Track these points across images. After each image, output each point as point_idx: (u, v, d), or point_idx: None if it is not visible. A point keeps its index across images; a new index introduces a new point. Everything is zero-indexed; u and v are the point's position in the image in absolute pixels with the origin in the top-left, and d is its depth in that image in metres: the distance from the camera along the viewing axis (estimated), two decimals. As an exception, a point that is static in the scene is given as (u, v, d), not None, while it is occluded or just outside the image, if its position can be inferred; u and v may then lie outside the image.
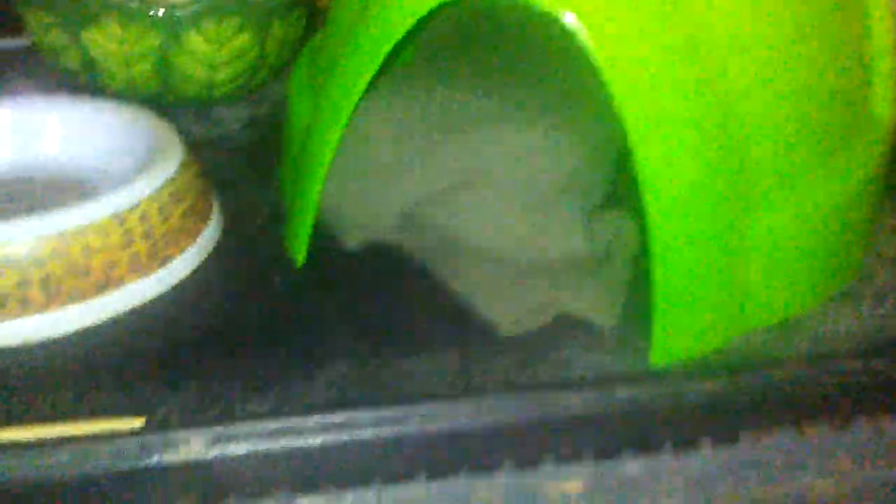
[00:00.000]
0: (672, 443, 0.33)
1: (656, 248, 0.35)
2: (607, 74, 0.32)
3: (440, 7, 0.35)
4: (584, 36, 0.32)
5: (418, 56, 0.53)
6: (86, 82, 0.57)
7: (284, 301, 0.41)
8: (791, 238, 0.38)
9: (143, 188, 0.40)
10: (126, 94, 0.56)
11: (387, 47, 0.37)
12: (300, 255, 0.43)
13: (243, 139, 0.57)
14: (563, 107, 0.41)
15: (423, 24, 0.37)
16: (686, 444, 0.33)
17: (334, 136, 0.40)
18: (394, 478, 0.31)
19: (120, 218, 0.39)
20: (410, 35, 0.38)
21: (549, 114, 0.40)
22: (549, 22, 0.34)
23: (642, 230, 0.41)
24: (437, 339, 0.38)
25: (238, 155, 0.55)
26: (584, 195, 0.40)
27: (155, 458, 0.29)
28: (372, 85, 0.43)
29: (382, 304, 0.41)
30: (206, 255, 0.43)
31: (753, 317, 0.39)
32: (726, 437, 0.33)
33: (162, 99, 0.58)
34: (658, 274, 0.35)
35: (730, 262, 0.37)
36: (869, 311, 0.41)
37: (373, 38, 0.38)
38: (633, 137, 0.33)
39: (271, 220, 0.47)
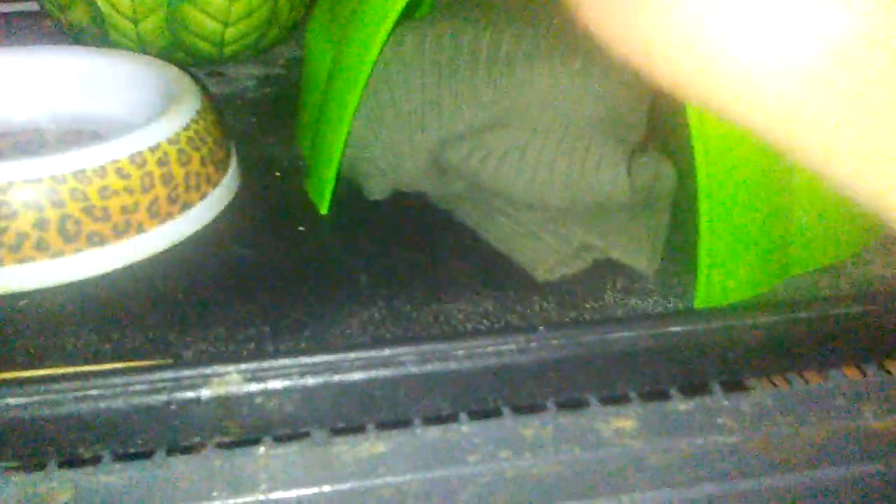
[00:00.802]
0: (723, 381, 0.32)
1: (703, 187, 0.34)
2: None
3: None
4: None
5: (439, 6, 0.52)
6: (94, 39, 0.55)
7: (310, 248, 0.39)
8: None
9: (161, 131, 0.38)
10: (136, 51, 0.55)
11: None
12: (324, 204, 0.41)
13: (257, 97, 0.55)
14: (597, 45, 0.39)
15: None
16: (738, 382, 0.32)
17: (359, 82, 0.38)
18: (438, 416, 0.29)
19: (139, 160, 0.37)
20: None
21: (585, 52, 0.39)
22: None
23: (680, 175, 0.40)
24: (472, 284, 0.37)
25: (253, 111, 0.53)
26: (623, 136, 0.38)
27: (190, 393, 0.27)
28: (396, 29, 0.42)
29: (411, 251, 0.39)
30: (226, 203, 0.42)
31: (797, 261, 0.38)
32: (778, 375, 0.32)
33: (172, 56, 0.56)
34: (704, 215, 0.34)
35: (777, 199, 0.35)
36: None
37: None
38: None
39: (290, 173, 0.46)
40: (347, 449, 0.28)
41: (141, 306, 0.35)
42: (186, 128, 0.39)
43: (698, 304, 0.35)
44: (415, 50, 0.41)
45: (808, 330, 0.32)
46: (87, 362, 0.31)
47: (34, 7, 0.62)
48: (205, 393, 0.27)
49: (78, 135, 0.45)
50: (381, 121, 0.41)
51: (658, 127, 0.41)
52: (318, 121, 0.43)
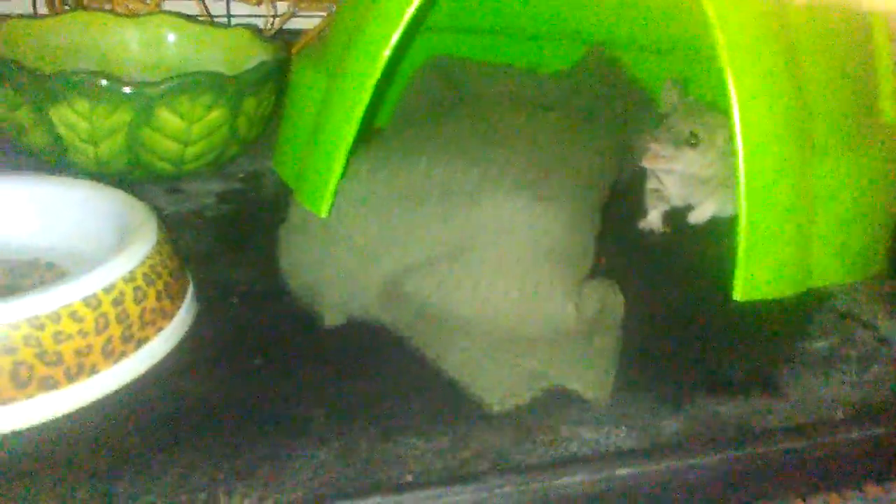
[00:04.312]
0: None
1: (746, 189, 0.41)
2: (726, 54, 0.41)
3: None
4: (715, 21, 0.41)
5: (396, 123, 0.54)
6: (52, 161, 0.56)
7: (265, 382, 0.39)
8: (842, 187, 0.46)
9: (117, 269, 0.39)
10: (94, 171, 0.55)
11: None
12: (325, 208, 0.43)
13: (216, 214, 0.56)
14: (544, 177, 0.41)
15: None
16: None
17: (367, 86, 0.43)
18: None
19: (94, 301, 0.37)
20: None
21: (532, 184, 0.40)
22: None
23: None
24: (426, 417, 0.37)
25: (211, 230, 0.54)
26: (571, 265, 0.40)
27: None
28: (351, 161, 0.43)
29: (367, 383, 0.39)
30: (181, 335, 0.42)
31: (817, 273, 0.46)
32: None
33: (131, 175, 0.57)
34: (745, 216, 0.42)
35: (800, 209, 0.44)
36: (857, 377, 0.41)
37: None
38: (739, 97, 0.41)
39: (248, 297, 0.46)
40: None
41: (92, 453, 0.34)
42: (142, 263, 0.40)
43: (736, 296, 0.42)
44: (368, 183, 0.42)
45: (753, 465, 0.33)
46: (35, 520, 0.30)
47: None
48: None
49: (31, 266, 0.45)
50: (335, 252, 0.42)
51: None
52: (315, 135, 0.47)
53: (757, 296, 0.43)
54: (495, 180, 0.40)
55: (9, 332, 0.35)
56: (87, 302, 0.37)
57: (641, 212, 0.56)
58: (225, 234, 0.53)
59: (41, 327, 0.36)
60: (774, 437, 0.35)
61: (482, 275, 0.39)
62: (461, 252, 0.40)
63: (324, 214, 0.43)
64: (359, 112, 0.43)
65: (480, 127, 0.48)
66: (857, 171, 0.47)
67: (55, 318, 0.36)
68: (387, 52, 0.43)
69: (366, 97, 0.43)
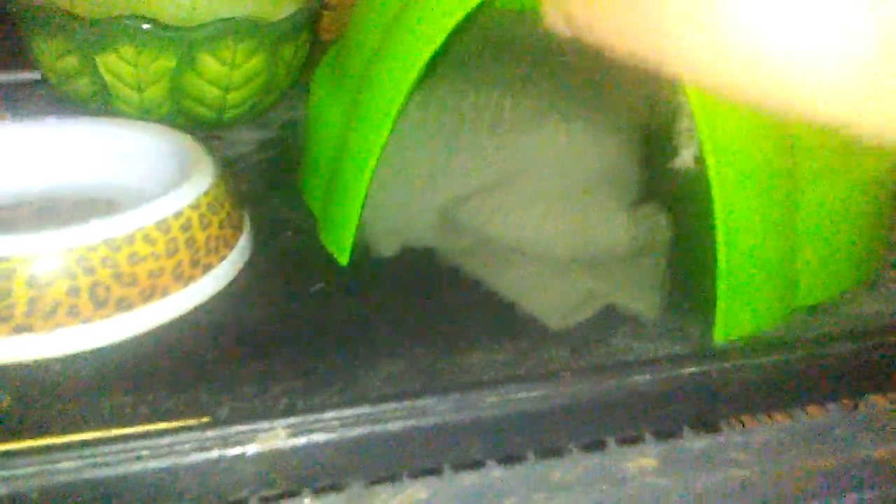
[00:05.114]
0: (735, 418, 0.34)
1: (721, 228, 0.36)
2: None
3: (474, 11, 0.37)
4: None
5: (445, 64, 0.54)
6: (97, 107, 0.57)
7: (328, 304, 0.41)
8: (831, 214, 0.41)
9: (184, 197, 0.40)
10: (137, 118, 0.56)
11: (432, 47, 0.38)
12: (345, 256, 0.43)
13: (258, 159, 0.57)
14: (593, 104, 0.42)
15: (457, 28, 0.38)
16: (748, 419, 0.34)
17: (380, 137, 0.40)
18: (467, 462, 0.31)
19: (165, 226, 0.38)
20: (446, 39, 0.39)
21: (582, 111, 0.41)
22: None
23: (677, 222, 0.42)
24: (487, 334, 0.39)
25: (256, 174, 0.55)
26: (622, 189, 0.41)
27: (237, 450, 0.29)
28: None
29: (426, 305, 0.41)
30: (243, 264, 0.43)
31: (804, 293, 0.41)
32: (787, 411, 0.34)
33: (173, 121, 0.57)
34: (721, 255, 0.37)
35: (785, 240, 0.39)
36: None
37: (415, 40, 0.39)
38: (703, 128, 0.35)
39: (301, 232, 0.47)
40: (390, 497, 0.29)
41: (171, 367, 0.36)
42: (206, 193, 0.41)
43: (717, 337, 0.38)
44: (419, 115, 0.43)
45: (807, 367, 0.34)
46: (126, 424, 0.32)
47: (35, 76, 0.64)
48: (251, 449, 0.29)
49: (92, 203, 0.46)
50: (392, 185, 0.43)
51: (660, 180, 0.44)
52: (334, 174, 0.45)
53: (737, 335, 0.38)
54: (546, 110, 0.42)
55: (87, 253, 0.36)
56: (158, 226, 0.38)
57: (673, 151, 0.58)
58: (270, 178, 0.55)
59: (117, 249, 0.37)
60: (823, 341, 0.36)
61: (537, 200, 0.41)
62: (516, 179, 0.41)
63: (344, 263, 0.43)
64: (377, 151, 0.40)
65: (520, 66, 0.49)
66: (847, 191, 0.42)
67: (130, 240, 0.37)
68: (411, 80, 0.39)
69: (383, 138, 0.40)
